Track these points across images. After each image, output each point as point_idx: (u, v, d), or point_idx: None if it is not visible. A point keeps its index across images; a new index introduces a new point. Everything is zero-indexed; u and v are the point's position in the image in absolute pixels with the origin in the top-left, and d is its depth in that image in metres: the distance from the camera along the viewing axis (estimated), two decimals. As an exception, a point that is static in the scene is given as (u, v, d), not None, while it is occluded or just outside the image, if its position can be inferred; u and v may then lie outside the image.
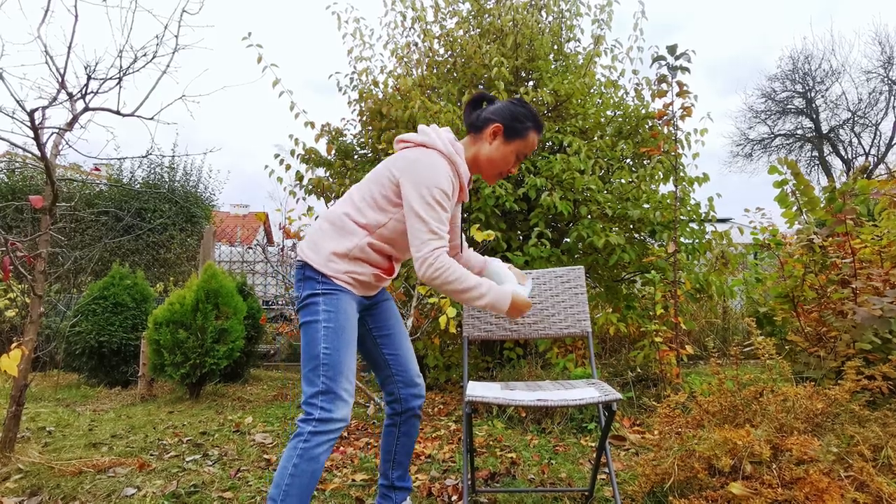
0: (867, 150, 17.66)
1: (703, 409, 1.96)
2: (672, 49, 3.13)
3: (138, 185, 7.57)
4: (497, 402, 1.57)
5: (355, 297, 1.55)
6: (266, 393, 4.45)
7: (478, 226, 3.20)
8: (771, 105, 18.46)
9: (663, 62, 3.18)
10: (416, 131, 1.59)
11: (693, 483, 1.68)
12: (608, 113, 4.24)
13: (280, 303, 8.03)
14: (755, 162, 18.91)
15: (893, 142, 17.00)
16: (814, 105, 17.98)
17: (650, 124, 4.12)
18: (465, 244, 1.82)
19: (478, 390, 1.65)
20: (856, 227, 3.32)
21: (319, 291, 1.48)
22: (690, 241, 3.79)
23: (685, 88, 3.16)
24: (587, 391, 1.64)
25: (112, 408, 4.15)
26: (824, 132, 17.96)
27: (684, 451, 1.78)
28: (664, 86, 3.23)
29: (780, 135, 18.50)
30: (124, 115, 3.10)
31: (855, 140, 17.88)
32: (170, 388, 4.63)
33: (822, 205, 3.56)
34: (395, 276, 1.69)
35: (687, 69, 3.18)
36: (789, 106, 18.34)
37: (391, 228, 1.51)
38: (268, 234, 25.55)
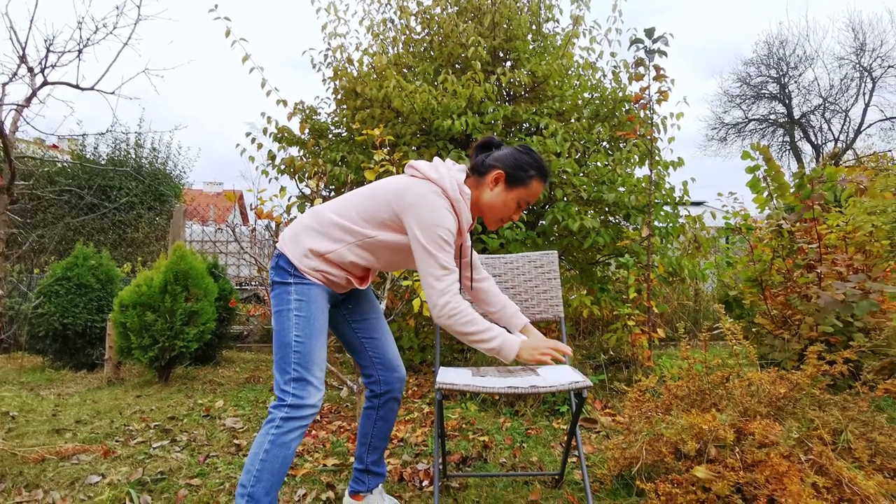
0: (836, 136, 18.10)
1: (672, 394, 1.99)
2: (650, 32, 3.10)
3: (103, 161, 7.29)
4: (468, 390, 1.55)
5: (327, 289, 1.55)
6: (238, 376, 4.39)
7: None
8: (746, 90, 18.72)
9: (641, 45, 3.16)
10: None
11: (660, 466, 1.71)
12: (585, 95, 4.21)
13: (253, 284, 7.91)
14: (729, 146, 19.24)
15: (862, 128, 17.44)
16: (787, 90, 18.29)
17: (627, 108, 4.12)
18: (484, 273, 1.81)
19: (448, 377, 1.63)
20: (823, 212, 3.39)
21: (291, 281, 1.49)
22: (664, 225, 3.82)
23: (662, 73, 3.14)
24: (558, 376, 1.64)
25: (77, 391, 4.04)
26: (796, 118, 18.31)
27: (652, 436, 1.81)
28: (641, 69, 3.21)
29: (753, 119, 18.82)
30: (84, 89, 2.96)
31: (825, 126, 18.30)
32: (138, 372, 4.54)
33: (791, 190, 3.63)
34: (368, 285, 1.67)
35: (664, 53, 3.17)
36: (763, 91, 18.62)
37: (378, 243, 1.51)
38: (242, 213, 25.03)
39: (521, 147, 1.60)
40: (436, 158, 1.60)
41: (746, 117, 18.82)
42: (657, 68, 3.19)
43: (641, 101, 3.20)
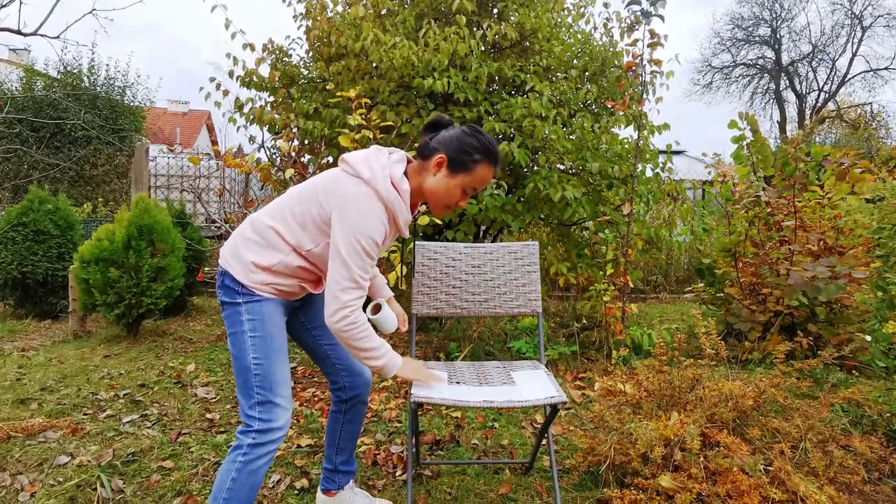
0: (821, 87, 17.99)
1: (642, 389, 2.03)
2: (648, -7, 2.89)
3: (55, 90, 6.72)
4: (444, 403, 1.54)
5: (280, 300, 1.47)
6: (210, 330, 4.34)
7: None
8: (737, 32, 18.21)
9: (636, 7, 2.96)
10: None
11: (628, 468, 1.77)
12: (575, 50, 3.99)
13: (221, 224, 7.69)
14: (714, 93, 18.95)
15: (847, 79, 17.34)
16: (778, 35, 17.86)
17: (616, 64, 3.93)
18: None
19: (423, 389, 1.61)
20: (801, 191, 3.39)
21: (240, 301, 1.40)
22: (646, 193, 3.77)
23: (657, 39, 2.97)
24: (534, 388, 1.64)
25: (42, 345, 3.96)
26: (784, 64, 18.04)
27: (621, 434, 1.85)
28: (636, 33, 3.03)
29: (741, 64, 18.47)
30: (26, 35, 2.66)
31: (811, 75, 18.11)
32: (106, 323, 4.44)
33: (773, 163, 3.59)
34: (322, 288, 1.58)
35: (661, 16, 2.98)
36: (755, 34, 18.14)
37: (321, 252, 1.41)
38: (210, 132, 23.84)
39: (468, 128, 1.46)
40: (371, 149, 1.46)
41: (735, 61, 18.45)
42: (653, 33, 3.01)
43: (633, 70, 3.04)
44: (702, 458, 1.66)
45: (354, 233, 1.32)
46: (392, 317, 1.70)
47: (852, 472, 1.64)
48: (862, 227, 3.15)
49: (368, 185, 1.36)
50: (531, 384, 1.69)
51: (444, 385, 1.68)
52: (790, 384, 1.84)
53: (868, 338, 2.64)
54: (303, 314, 1.63)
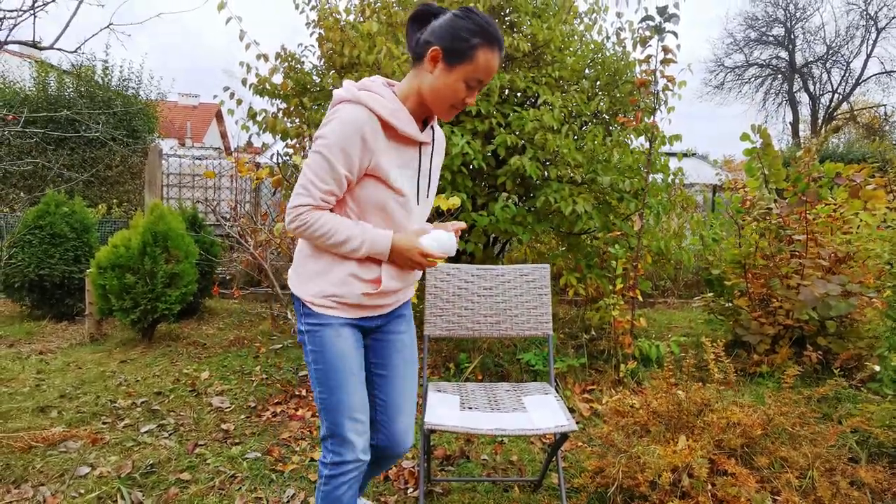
0: (835, 88, 17.76)
1: (650, 410, 2.06)
2: (662, 10, 2.89)
3: (69, 91, 6.80)
4: (456, 431, 1.58)
5: (347, 321, 1.36)
6: (223, 334, 4.40)
7: (444, 192, 3.06)
8: (750, 33, 18.00)
9: (650, 23, 2.96)
10: (381, 76, 1.38)
11: (636, 492, 1.80)
12: (587, 60, 3.99)
13: (234, 224, 7.75)
14: (726, 93, 18.77)
15: (861, 80, 17.11)
16: (792, 35, 17.64)
17: (629, 77, 3.92)
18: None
19: (436, 415, 1.65)
20: (814, 206, 3.38)
21: (304, 329, 1.37)
22: (656, 205, 3.78)
23: (670, 56, 2.97)
24: (544, 416, 1.67)
25: (59, 347, 4.04)
26: (798, 65, 17.83)
27: (629, 458, 1.88)
28: (649, 49, 3.03)
29: (754, 64, 18.27)
30: (42, 49, 2.70)
31: (825, 76, 17.90)
32: (122, 326, 4.52)
33: (785, 177, 3.58)
34: (392, 296, 1.42)
35: (674, 33, 2.97)
36: (768, 34, 17.93)
37: (357, 201, 1.31)
38: (222, 133, 24.00)
39: (461, 9, 1.27)
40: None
41: (747, 61, 18.25)
42: (666, 49, 3.01)
43: (645, 86, 3.04)
44: (709, 486, 1.68)
45: (317, 140, 1.25)
46: (442, 236, 1.36)
47: (858, 501, 1.66)
48: (874, 256, 3.15)
49: (341, 98, 1.28)
50: (542, 410, 1.72)
51: (455, 411, 1.72)
52: (800, 412, 1.86)
53: (878, 368, 2.64)
54: (373, 353, 1.49)
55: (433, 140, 1.42)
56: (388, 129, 1.28)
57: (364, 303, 1.36)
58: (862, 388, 2.90)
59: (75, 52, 2.74)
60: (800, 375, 3.12)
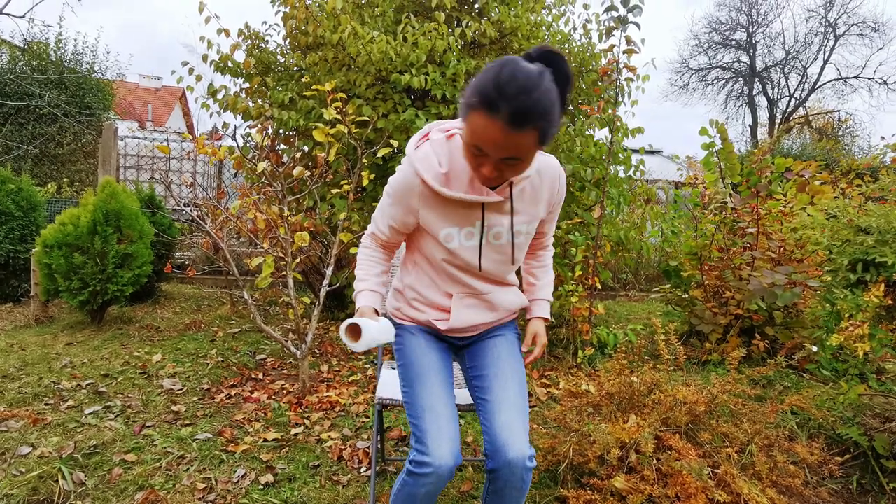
0: (791, 93, 18.46)
1: (603, 391, 2.10)
2: (625, 1, 2.94)
3: (20, 64, 6.45)
4: (408, 406, 1.57)
5: (422, 328, 1.46)
6: (179, 318, 4.28)
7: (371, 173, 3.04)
8: (714, 36, 18.53)
9: (614, 13, 3.00)
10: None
11: (585, 468, 1.83)
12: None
13: (192, 209, 7.53)
14: (690, 94, 19.30)
15: (817, 86, 17.83)
16: (753, 40, 18.23)
17: (594, 68, 3.98)
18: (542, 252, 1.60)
19: (387, 390, 1.64)
20: (765, 200, 3.51)
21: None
22: (617, 195, 3.85)
23: (633, 46, 3.02)
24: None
25: (3, 329, 3.85)
26: (758, 69, 18.45)
27: (581, 436, 1.92)
28: (613, 39, 3.08)
29: (717, 67, 18.80)
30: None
31: (783, 81, 18.57)
32: (69, 309, 4.34)
33: (740, 171, 3.71)
34: (464, 328, 1.42)
35: (637, 24, 3.03)
36: (731, 38, 18.49)
37: (419, 247, 1.41)
38: (185, 112, 23.16)
39: (496, 60, 1.06)
40: None
41: (711, 63, 18.79)
42: (628, 40, 3.06)
43: (607, 74, 3.09)
44: (654, 461, 1.73)
45: (390, 180, 1.36)
46: (374, 325, 1.23)
47: (794, 475, 1.74)
48: (815, 243, 3.29)
49: (409, 148, 1.33)
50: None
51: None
52: (741, 391, 1.93)
53: (815, 348, 2.77)
54: (469, 358, 1.48)
55: (510, 197, 1.29)
56: (431, 190, 1.26)
57: (437, 328, 1.43)
58: (804, 374, 3.04)
59: (24, 16, 2.58)
60: (747, 363, 3.25)
